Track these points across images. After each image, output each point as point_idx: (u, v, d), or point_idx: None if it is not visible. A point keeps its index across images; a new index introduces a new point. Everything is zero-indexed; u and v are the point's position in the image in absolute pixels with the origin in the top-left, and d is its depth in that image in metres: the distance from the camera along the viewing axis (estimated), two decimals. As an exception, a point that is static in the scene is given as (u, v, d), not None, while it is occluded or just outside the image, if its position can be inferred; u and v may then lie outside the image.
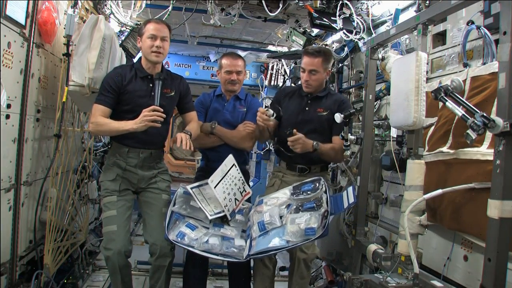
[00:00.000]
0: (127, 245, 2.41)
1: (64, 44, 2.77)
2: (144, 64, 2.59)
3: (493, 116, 1.52)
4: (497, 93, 1.54)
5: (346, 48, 3.69)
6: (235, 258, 2.27)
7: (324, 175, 2.88)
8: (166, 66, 5.59)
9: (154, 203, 2.61)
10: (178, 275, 3.30)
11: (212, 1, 3.33)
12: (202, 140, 2.90)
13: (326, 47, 3.55)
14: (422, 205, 2.01)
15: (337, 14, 3.24)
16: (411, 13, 2.79)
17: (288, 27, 3.92)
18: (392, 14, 3.03)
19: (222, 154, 2.79)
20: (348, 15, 3.29)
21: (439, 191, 1.89)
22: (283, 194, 2.52)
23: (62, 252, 2.95)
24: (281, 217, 2.33)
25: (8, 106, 2.29)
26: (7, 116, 2.30)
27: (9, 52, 2.25)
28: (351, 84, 3.82)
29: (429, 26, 2.10)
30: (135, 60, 3.73)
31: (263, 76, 6.31)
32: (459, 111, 1.69)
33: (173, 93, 2.65)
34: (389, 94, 2.76)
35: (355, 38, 3.33)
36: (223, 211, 2.42)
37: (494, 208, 1.50)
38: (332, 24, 3.28)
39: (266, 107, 3.33)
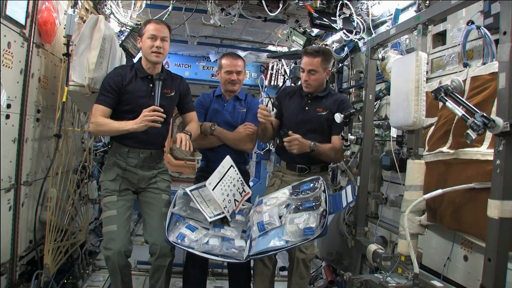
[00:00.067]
0: (127, 245, 2.41)
1: (64, 44, 2.77)
2: (144, 64, 2.59)
3: (493, 116, 1.52)
4: (497, 93, 1.54)
5: (346, 48, 3.69)
6: (235, 259, 2.27)
7: (324, 175, 2.88)
8: (166, 66, 5.59)
9: (154, 203, 2.62)
10: (178, 275, 3.30)
11: (212, 1, 3.33)
12: (201, 140, 2.90)
13: (326, 47, 3.55)
14: (422, 205, 2.01)
15: (337, 14, 3.24)
16: (411, 13, 2.79)
17: (288, 27, 3.92)
18: (392, 14, 3.03)
19: (222, 154, 2.78)
20: (348, 15, 3.29)
21: (439, 191, 1.89)
22: (283, 194, 2.52)
23: (62, 252, 2.95)
24: (280, 217, 2.33)
25: (8, 106, 2.29)
26: (7, 116, 2.30)
27: (9, 52, 2.25)
28: (351, 84, 3.82)
29: (429, 26, 2.10)
30: (135, 60, 3.73)
31: (263, 76, 6.31)
32: (459, 111, 1.69)
33: (173, 93, 2.65)
34: (389, 94, 2.76)
35: (355, 38, 3.33)
36: (223, 212, 2.42)
37: (494, 208, 1.50)
38: (332, 24, 3.28)
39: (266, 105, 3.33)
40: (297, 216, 2.22)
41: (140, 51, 2.64)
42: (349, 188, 2.29)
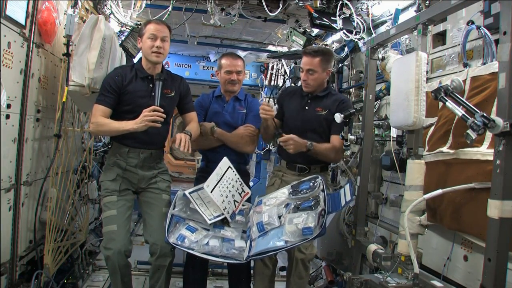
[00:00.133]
0: (127, 244, 2.41)
1: (64, 44, 2.77)
2: (144, 64, 2.60)
3: (493, 116, 1.52)
4: (497, 93, 1.54)
5: (346, 48, 3.69)
6: (235, 260, 2.27)
7: (324, 175, 2.88)
8: (166, 66, 5.59)
9: (154, 203, 2.62)
10: (178, 275, 3.30)
11: (212, 1, 3.33)
12: (201, 141, 2.89)
13: (327, 47, 3.55)
14: (422, 205, 2.01)
15: (337, 14, 3.24)
16: (411, 13, 2.79)
17: (288, 27, 3.92)
18: (392, 14, 3.03)
19: (221, 155, 2.79)
20: (348, 15, 3.30)
21: (439, 191, 1.89)
22: (282, 194, 2.52)
23: (62, 252, 2.95)
24: (280, 216, 2.33)
25: (8, 106, 2.29)
26: (7, 116, 2.30)
27: (9, 52, 2.25)
28: (351, 84, 3.82)
29: (429, 26, 2.10)
30: (135, 60, 3.73)
31: (263, 76, 6.31)
32: (459, 111, 1.69)
33: (173, 94, 2.65)
34: (389, 94, 2.76)
35: (355, 38, 3.34)
36: (223, 214, 2.42)
37: (494, 208, 1.50)
38: (332, 24, 3.28)
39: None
40: (296, 216, 2.21)
41: (140, 51, 2.64)
42: (347, 187, 2.29)
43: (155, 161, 2.68)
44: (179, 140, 2.42)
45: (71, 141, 3.14)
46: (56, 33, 2.77)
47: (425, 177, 2.02)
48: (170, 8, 3.24)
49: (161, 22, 2.58)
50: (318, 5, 3.32)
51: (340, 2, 3.24)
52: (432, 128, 2.23)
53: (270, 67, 6.08)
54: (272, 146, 5.86)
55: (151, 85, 2.56)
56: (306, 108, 2.85)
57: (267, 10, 3.30)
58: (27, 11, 2.40)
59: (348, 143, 2.63)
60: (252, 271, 2.93)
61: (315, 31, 3.93)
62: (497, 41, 1.75)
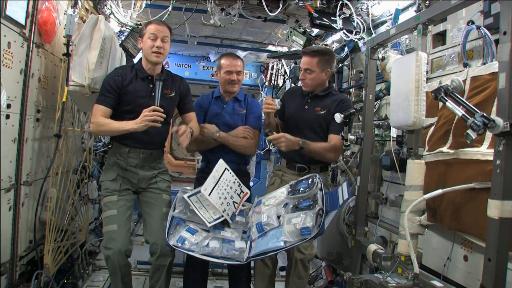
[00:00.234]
0: (127, 244, 2.41)
1: (64, 44, 2.77)
2: (144, 64, 2.60)
3: (493, 116, 1.51)
4: (497, 93, 1.54)
5: (346, 48, 3.69)
6: (235, 261, 2.27)
7: (324, 175, 2.88)
8: (166, 66, 5.59)
9: (155, 203, 2.62)
10: (178, 275, 3.30)
11: (212, 1, 3.33)
12: (200, 142, 2.89)
13: (327, 47, 3.55)
14: (422, 205, 2.01)
15: (337, 14, 3.24)
16: (411, 13, 2.79)
17: (288, 27, 3.92)
18: (392, 14, 3.03)
19: (221, 155, 2.79)
20: (348, 15, 3.30)
21: (439, 191, 1.89)
22: (281, 193, 2.52)
23: (62, 252, 2.95)
24: (279, 216, 2.33)
25: (8, 106, 2.29)
26: (7, 116, 2.30)
27: (9, 52, 2.25)
28: (351, 84, 3.82)
29: (429, 26, 2.10)
30: (135, 60, 3.73)
31: (263, 76, 6.32)
32: (459, 111, 1.69)
33: (173, 94, 2.65)
34: (389, 94, 2.76)
35: (355, 38, 3.34)
36: (222, 216, 2.41)
37: (494, 208, 1.50)
38: (332, 24, 3.28)
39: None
40: (294, 216, 2.21)
41: (141, 51, 2.64)
42: (344, 185, 2.29)
43: (155, 161, 2.68)
44: (182, 130, 2.42)
45: (71, 141, 3.14)
46: (56, 33, 2.77)
47: (425, 177, 2.02)
48: (170, 8, 3.24)
49: (162, 23, 2.59)
50: (318, 5, 3.32)
51: (340, 2, 3.24)
52: (432, 128, 2.23)
53: (270, 67, 6.09)
54: (272, 146, 5.86)
55: (151, 85, 2.57)
56: (306, 107, 2.86)
57: (267, 10, 3.30)
58: (27, 11, 2.40)
59: (348, 143, 2.63)
60: (252, 271, 2.93)
61: (315, 31, 3.93)
62: (497, 41, 1.75)
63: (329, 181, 3.00)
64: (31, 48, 2.49)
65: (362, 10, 3.34)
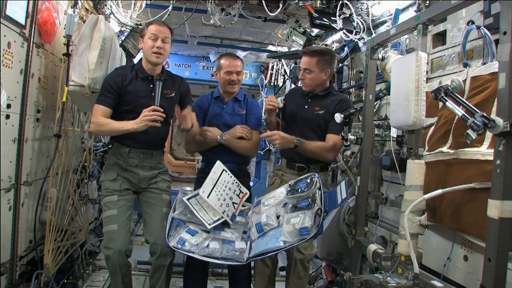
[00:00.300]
0: (127, 244, 2.41)
1: (64, 44, 2.77)
2: (144, 65, 2.60)
3: (493, 116, 1.51)
4: (497, 93, 1.54)
5: (346, 48, 3.69)
6: (236, 261, 2.27)
7: (324, 174, 2.88)
8: (166, 66, 5.59)
9: (155, 203, 2.62)
10: (178, 275, 3.30)
11: (212, 1, 3.33)
12: (199, 143, 2.90)
13: (328, 47, 3.55)
14: (422, 205, 2.01)
15: (337, 14, 3.24)
16: (411, 13, 2.79)
17: (288, 27, 3.92)
18: (392, 14, 3.03)
19: (221, 155, 2.80)
20: (348, 15, 3.30)
21: (439, 191, 1.89)
22: (280, 193, 2.52)
23: (62, 252, 2.95)
24: (278, 216, 2.33)
25: (8, 106, 2.29)
26: (7, 116, 2.30)
27: (9, 52, 2.25)
28: (351, 84, 3.82)
29: (429, 26, 2.10)
30: (135, 60, 3.73)
31: (263, 76, 6.32)
32: (459, 111, 1.69)
33: (173, 94, 2.65)
34: (389, 94, 2.76)
35: (355, 38, 3.34)
36: (222, 217, 2.41)
37: (494, 208, 1.50)
38: (332, 24, 3.28)
39: None
40: (293, 216, 2.21)
41: (140, 51, 2.65)
42: (342, 184, 2.29)
43: (156, 162, 2.68)
44: (187, 113, 2.45)
45: (71, 141, 3.14)
46: (56, 33, 2.77)
47: (425, 177, 2.02)
48: (170, 8, 3.24)
49: (163, 24, 2.60)
50: (318, 5, 3.32)
51: (340, 2, 3.24)
52: (432, 128, 2.23)
53: (270, 67, 6.09)
54: (272, 146, 5.86)
55: (151, 86, 2.57)
56: (306, 107, 2.87)
57: (267, 10, 3.30)
58: (27, 11, 2.40)
59: (348, 143, 2.63)
60: (252, 271, 2.93)
61: (315, 31, 3.93)
62: (497, 41, 1.75)
63: (329, 181, 3.00)
64: (31, 48, 2.49)
65: (362, 10, 3.34)
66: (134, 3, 3.44)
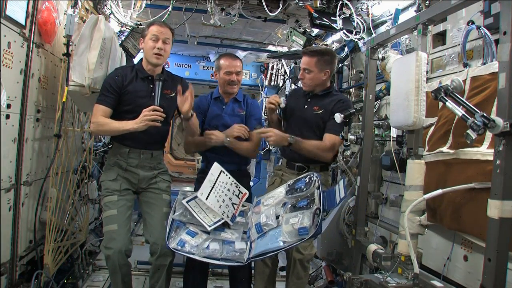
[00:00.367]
0: (127, 244, 2.42)
1: (64, 44, 2.77)
2: (145, 65, 2.61)
3: (493, 116, 1.51)
4: (497, 93, 1.54)
5: (346, 48, 3.69)
6: (236, 262, 2.27)
7: (324, 174, 2.89)
8: (166, 66, 5.58)
9: (155, 203, 2.62)
10: (179, 275, 3.30)
11: (212, 1, 3.33)
12: (198, 144, 2.90)
13: (327, 47, 3.55)
14: (422, 205, 2.01)
15: (337, 14, 3.24)
16: (411, 13, 2.79)
17: (288, 27, 3.92)
18: (392, 14, 3.03)
19: (221, 155, 2.80)
20: (348, 15, 3.30)
21: (439, 191, 1.89)
22: (279, 193, 2.51)
23: (62, 252, 2.95)
24: (277, 216, 2.33)
25: (8, 106, 2.29)
26: (7, 116, 2.30)
27: (9, 52, 2.25)
28: (351, 84, 3.82)
29: (429, 26, 2.09)
30: (135, 60, 3.73)
31: (263, 76, 6.31)
32: (459, 111, 1.69)
33: (173, 94, 2.65)
34: (389, 94, 2.76)
35: (355, 38, 3.34)
36: (222, 218, 2.41)
37: (494, 208, 1.50)
38: (332, 24, 3.28)
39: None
40: (292, 216, 2.21)
41: (141, 51, 2.65)
42: (341, 183, 2.28)
43: (156, 162, 2.68)
44: (190, 93, 2.47)
45: (71, 141, 3.14)
46: (56, 33, 2.77)
47: (425, 177, 2.02)
48: (170, 8, 3.24)
49: (165, 25, 2.60)
50: (318, 5, 3.32)
51: (340, 2, 3.24)
52: (432, 128, 2.23)
53: (270, 67, 6.08)
54: (272, 146, 5.86)
55: (152, 86, 2.57)
56: (305, 107, 2.88)
57: (267, 10, 3.30)
58: (27, 11, 2.40)
59: (348, 143, 2.63)
60: (253, 271, 2.93)
61: (315, 31, 3.93)
62: (497, 41, 1.75)
63: (329, 181, 3.00)
64: (31, 48, 2.49)
65: (362, 10, 3.34)
66: (134, 3, 3.44)
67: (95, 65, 2.66)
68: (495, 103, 1.67)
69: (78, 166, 3.42)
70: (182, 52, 6.06)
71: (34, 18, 2.50)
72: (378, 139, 3.11)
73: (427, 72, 2.15)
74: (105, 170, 2.72)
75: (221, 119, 2.95)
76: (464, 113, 1.66)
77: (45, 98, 2.81)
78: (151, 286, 2.55)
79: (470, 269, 1.98)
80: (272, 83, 6.04)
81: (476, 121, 1.53)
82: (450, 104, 1.74)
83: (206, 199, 2.37)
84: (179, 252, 2.27)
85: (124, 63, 3.20)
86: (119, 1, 3.49)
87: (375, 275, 2.10)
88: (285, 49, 5.01)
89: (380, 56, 2.69)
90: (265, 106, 5.53)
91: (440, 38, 2.48)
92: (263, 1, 3.24)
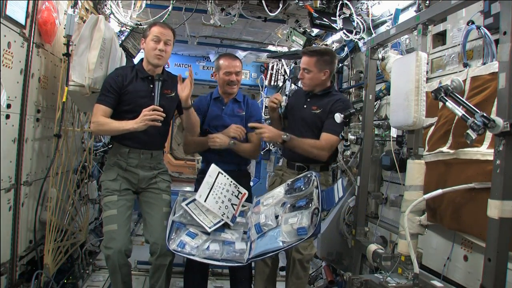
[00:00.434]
0: (127, 244, 2.42)
1: (64, 44, 2.77)
2: (145, 65, 2.62)
3: (493, 116, 1.52)
4: (497, 93, 1.54)
5: (346, 48, 3.69)
6: (236, 262, 2.27)
7: (325, 175, 2.89)
8: (166, 66, 5.58)
9: (155, 203, 2.62)
10: (179, 275, 3.30)
11: (212, 1, 3.33)
12: (198, 145, 2.90)
13: (327, 47, 3.56)
14: (422, 205, 2.01)
15: (337, 14, 3.24)
16: (411, 13, 2.79)
17: (288, 27, 3.92)
18: (392, 14, 3.03)
19: (221, 156, 2.80)
20: (348, 15, 3.29)
21: (439, 191, 1.89)
22: (278, 193, 2.51)
23: (62, 252, 2.95)
24: (277, 216, 2.33)
25: (8, 106, 2.29)
26: (7, 116, 2.30)
27: (9, 52, 2.25)
28: (351, 84, 3.82)
29: (429, 26, 2.10)
30: (135, 60, 3.73)
31: (263, 76, 6.31)
32: (459, 111, 1.69)
33: (173, 94, 2.66)
34: (389, 94, 2.76)
35: (355, 38, 3.33)
36: (222, 219, 2.41)
37: (494, 208, 1.50)
38: (332, 24, 3.28)
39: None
40: (291, 216, 2.21)
41: (141, 51, 2.65)
42: (339, 182, 2.29)
43: (156, 162, 2.68)
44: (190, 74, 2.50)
45: (71, 141, 3.14)
46: (56, 33, 2.77)
47: (425, 177, 2.02)
48: (170, 8, 3.24)
49: (167, 26, 2.60)
50: (318, 5, 3.32)
51: (340, 2, 3.24)
52: (432, 128, 2.23)
53: (270, 67, 6.08)
54: (272, 146, 5.86)
55: (151, 85, 2.57)
56: (305, 106, 2.90)
57: (267, 10, 3.30)
58: (27, 11, 2.40)
59: (348, 143, 2.63)
60: (253, 271, 2.93)
61: (315, 31, 3.93)
62: (497, 41, 1.75)
63: (329, 181, 3.00)
64: (31, 48, 2.49)
65: (362, 10, 3.34)
66: (134, 3, 3.44)
67: (95, 65, 2.66)
68: (495, 103, 1.67)
69: (78, 166, 3.42)
70: (182, 52, 6.06)
71: (34, 18, 2.50)
72: (378, 139, 3.11)
73: (427, 72, 2.15)
74: (105, 170, 2.72)
75: (221, 120, 2.95)
76: (464, 113, 1.66)
77: (45, 98, 2.81)
78: (151, 286, 2.55)
79: (470, 269, 1.98)
80: (272, 83, 6.04)
81: (476, 121, 1.53)
82: (450, 104, 1.74)
83: (205, 201, 2.37)
84: (179, 253, 2.27)
85: (124, 63, 3.21)
86: (119, 1, 3.49)
87: (375, 275, 2.10)
88: (285, 49, 5.01)
89: (380, 56, 2.69)
90: (265, 105, 5.55)
91: (440, 38, 2.48)
92: (263, 1, 3.24)
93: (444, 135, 2.09)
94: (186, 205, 2.43)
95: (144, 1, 3.43)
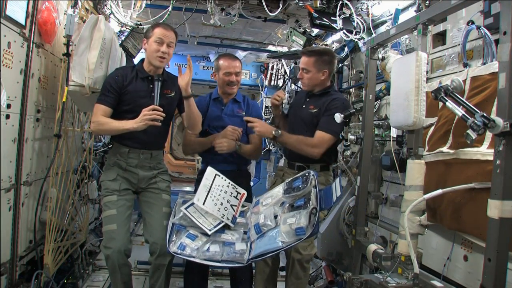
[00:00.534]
0: (127, 244, 2.42)
1: (64, 44, 2.77)
2: (146, 66, 2.62)
3: (493, 116, 1.52)
4: (497, 93, 1.54)
5: (346, 48, 3.69)
6: (237, 263, 2.27)
7: (325, 175, 2.89)
8: (166, 66, 5.58)
9: (155, 203, 2.62)
10: (178, 275, 3.30)
11: (212, 1, 3.33)
12: (197, 146, 2.89)
13: (327, 48, 3.56)
14: (422, 205, 2.01)
15: (337, 14, 3.24)
16: (411, 13, 2.79)
17: (288, 27, 3.92)
18: (392, 14, 3.03)
19: (221, 156, 2.79)
20: (348, 15, 3.29)
21: (439, 191, 1.89)
22: (277, 192, 2.52)
23: (62, 252, 2.95)
24: (276, 216, 2.32)
25: (8, 106, 2.29)
26: (7, 116, 2.30)
27: (9, 52, 2.25)
28: (351, 84, 3.82)
29: (429, 26, 2.10)
30: (135, 60, 3.73)
31: (263, 76, 6.31)
32: (459, 111, 1.69)
33: (173, 94, 2.66)
34: (389, 94, 2.76)
35: (355, 38, 3.33)
36: (222, 221, 2.41)
37: (494, 208, 1.50)
38: (332, 24, 3.28)
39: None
40: (290, 216, 2.21)
41: (141, 51, 2.65)
42: (337, 181, 2.29)
43: (155, 162, 2.68)
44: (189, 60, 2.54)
45: (71, 141, 3.14)
46: (56, 33, 2.77)
47: (425, 177, 2.02)
48: (170, 8, 3.24)
49: (170, 28, 2.60)
50: (318, 5, 3.32)
51: (340, 2, 3.24)
52: (432, 128, 2.23)
53: (270, 67, 6.08)
54: (272, 146, 5.86)
55: (151, 85, 2.57)
56: (303, 106, 2.92)
57: (267, 10, 3.30)
58: (27, 11, 2.40)
59: (348, 143, 2.63)
60: (253, 271, 2.93)
61: (315, 31, 3.93)
62: (497, 41, 1.75)
63: (330, 181, 2.99)
64: (31, 48, 2.49)
65: (362, 10, 3.34)
66: (134, 3, 3.44)
67: (95, 65, 2.66)
68: (495, 103, 1.67)
69: (78, 166, 3.42)
70: (182, 52, 6.05)
71: (34, 18, 2.50)
72: (378, 139, 3.11)
73: (427, 72, 2.15)
74: (105, 170, 2.72)
75: (220, 120, 2.94)
76: (464, 113, 1.66)
77: (45, 98, 2.81)
78: (151, 285, 2.55)
79: (470, 269, 1.98)
80: (272, 83, 6.03)
81: (476, 121, 1.53)
82: (450, 104, 1.74)
83: (203, 204, 2.37)
84: (179, 256, 2.27)
85: (124, 63, 3.21)
86: (119, 1, 3.49)
87: (375, 275, 2.10)
88: (285, 49, 5.01)
89: (380, 56, 2.69)
90: (265, 106, 5.55)
91: (440, 38, 2.48)
92: (263, 1, 3.24)
93: (444, 135, 2.09)
94: (186, 208, 2.43)
95: (144, 1, 3.43)
